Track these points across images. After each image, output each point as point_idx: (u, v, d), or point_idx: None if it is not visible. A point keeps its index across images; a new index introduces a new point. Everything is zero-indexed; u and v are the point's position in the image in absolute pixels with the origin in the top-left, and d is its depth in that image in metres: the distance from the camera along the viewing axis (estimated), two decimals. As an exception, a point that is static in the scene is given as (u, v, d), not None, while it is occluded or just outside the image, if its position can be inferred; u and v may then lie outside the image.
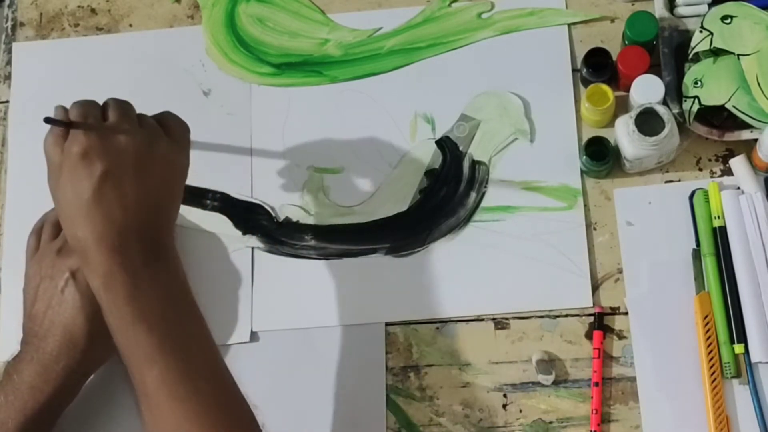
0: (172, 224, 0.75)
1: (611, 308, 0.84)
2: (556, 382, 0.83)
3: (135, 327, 0.69)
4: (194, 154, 0.92)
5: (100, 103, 0.74)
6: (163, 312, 0.70)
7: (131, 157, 0.70)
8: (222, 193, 0.90)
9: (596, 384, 0.82)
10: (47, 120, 0.70)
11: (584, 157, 0.85)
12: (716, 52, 0.84)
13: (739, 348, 0.80)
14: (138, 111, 0.92)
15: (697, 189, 0.85)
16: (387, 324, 0.86)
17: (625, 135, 0.82)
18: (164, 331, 0.69)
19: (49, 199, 0.87)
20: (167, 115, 0.77)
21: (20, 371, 0.78)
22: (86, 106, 0.72)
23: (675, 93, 0.84)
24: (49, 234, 0.84)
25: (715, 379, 0.79)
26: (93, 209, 0.69)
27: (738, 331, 0.80)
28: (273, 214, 0.90)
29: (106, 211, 0.69)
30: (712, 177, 0.86)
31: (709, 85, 0.83)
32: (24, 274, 0.84)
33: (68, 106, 0.73)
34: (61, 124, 0.71)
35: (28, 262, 0.84)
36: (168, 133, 0.75)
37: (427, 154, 0.90)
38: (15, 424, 0.76)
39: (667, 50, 0.86)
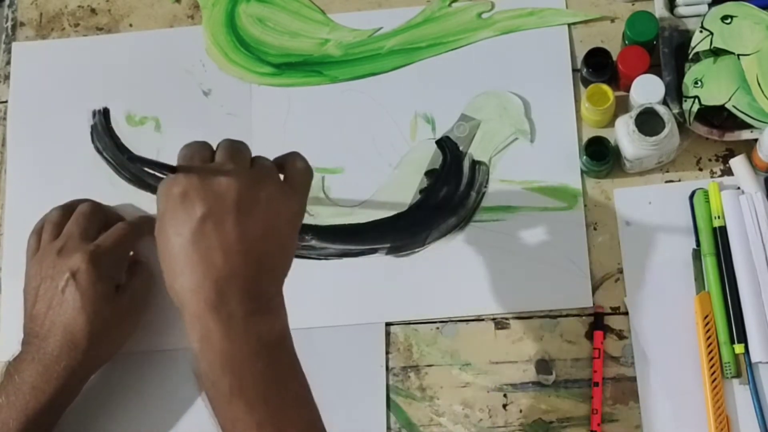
0: (281, 277, 0.67)
1: (611, 308, 0.84)
2: (556, 382, 0.83)
3: (232, 401, 0.62)
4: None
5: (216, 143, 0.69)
6: (266, 386, 0.63)
7: (233, 198, 0.63)
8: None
9: (596, 384, 0.82)
10: (146, 163, 0.66)
11: (584, 157, 0.85)
12: (716, 52, 0.84)
13: (739, 348, 0.80)
14: (138, 110, 0.93)
15: (697, 189, 0.85)
16: (387, 324, 0.86)
17: (625, 135, 0.82)
18: (265, 410, 0.63)
19: (49, 200, 0.88)
20: (291, 158, 0.71)
21: (21, 371, 0.78)
22: (195, 147, 0.67)
23: (675, 93, 0.84)
24: (49, 234, 0.83)
25: (715, 379, 0.79)
26: (191, 253, 0.62)
27: (738, 331, 0.80)
28: (273, 214, 0.90)
29: (205, 256, 0.62)
30: (712, 177, 0.86)
31: (709, 85, 0.83)
32: (24, 274, 0.84)
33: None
34: (163, 167, 0.65)
35: (28, 263, 0.84)
36: (286, 175, 0.69)
37: (427, 154, 0.90)
38: (16, 425, 0.76)
39: (667, 50, 0.86)
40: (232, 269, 0.63)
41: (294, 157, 0.71)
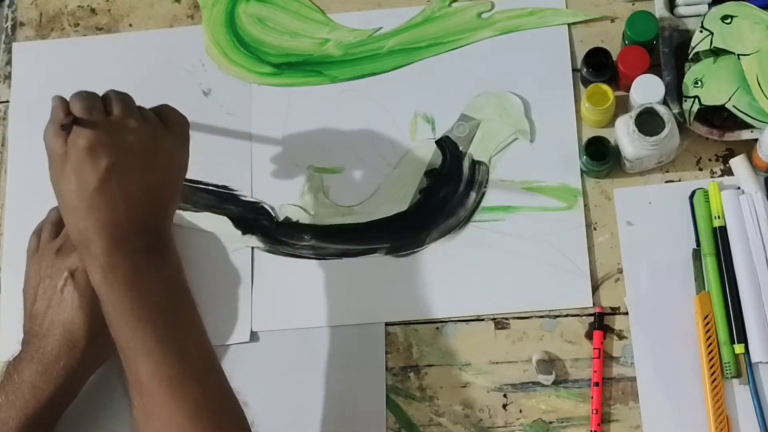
0: (171, 219, 0.76)
1: (611, 308, 0.84)
2: (556, 382, 0.83)
3: (133, 318, 0.69)
4: (194, 154, 0.92)
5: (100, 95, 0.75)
6: (162, 304, 0.71)
7: (137, 152, 0.72)
8: (221, 188, 0.90)
9: (596, 384, 0.81)
10: (65, 126, 0.71)
11: (584, 157, 0.85)
12: (716, 52, 0.84)
13: (739, 348, 0.80)
14: (138, 110, 0.93)
15: (698, 189, 0.85)
16: (387, 324, 0.86)
17: (625, 135, 0.82)
18: (162, 324, 0.70)
19: (49, 199, 0.88)
20: (167, 109, 0.78)
21: (21, 371, 0.78)
22: (89, 98, 0.73)
23: (675, 93, 0.84)
24: (48, 233, 0.84)
25: (715, 379, 0.79)
26: (96, 201, 0.70)
27: (738, 331, 0.80)
28: (273, 214, 0.90)
29: (110, 204, 0.70)
30: (712, 177, 0.86)
31: (710, 85, 0.83)
32: (24, 273, 0.84)
33: (67, 98, 0.74)
34: (70, 124, 0.71)
35: (28, 262, 0.84)
36: (168, 127, 0.76)
37: (427, 154, 0.90)
38: (16, 424, 0.77)
39: (668, 50, 0.86)
40: (135, 212, 0.71)
41: (169, 108, 0.78)
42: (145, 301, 0.70)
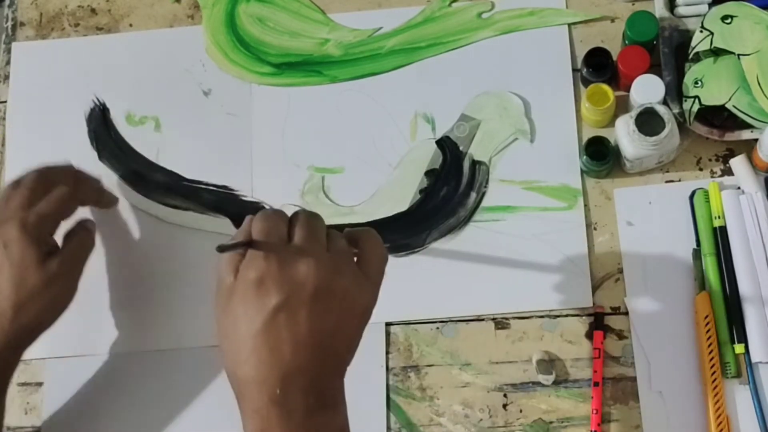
0: (344, 371, 0.64)
1: (611, 308, 0.84)
2: (556, 382, 0.83)
3: None
4: (195, 154, 0.92)
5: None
6: None
7: (310, 290, 0.60)
8: (221, 188, 0.91)
9: (596, 384, 0.82)
10: (225, 247, 0.62)
11: (584, 157, 0.85)
12: (716, 52, 0.84)
13: (739, 348, 0.80)
14: (138, 110, 0.93)
15: (698, 189, 0.85)
16: (387, 324, 0.86)
17: (625, 135, 0.82)
18: None
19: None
20: (366, 237, 0.67)
21: None
22: (272, 220, 0.63)
23: (675, 93, 0.84)
24: (19, 201, 0.80)
25: (715, 379, 0.79)
26: (260, 343, 0.59)
27: (738, 331, 0.80)
28: (273, 214, 0.89)
29: (274, 348, 0.60)
30: (712, 177, 0.86)
31: (710, 85, 0.83)
32: None
33: (254, 218, 0.64)
34: (242, 245, 0.62)
35: None
36: (361, 261, 0.65)
37: (427, 154, 0.90)
38: None
39: (668, 50, 0.86)
40: (300, 364, 0.60)
41: (371, 237, 0.67)
42: None
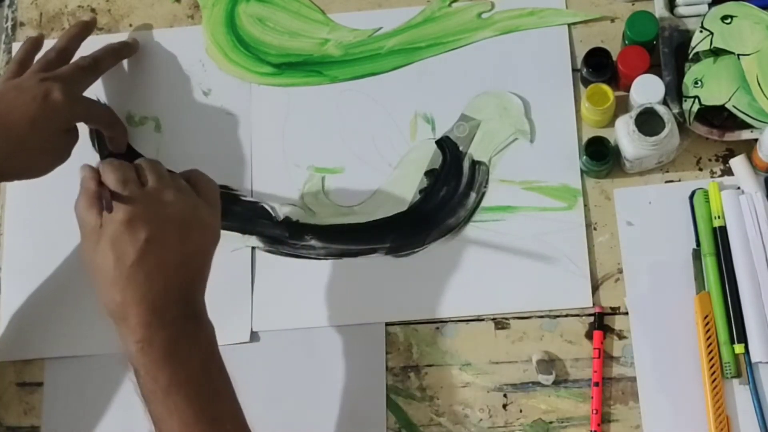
0: (204, 287, 0.74)
1: (611, 308, 0.84)
2: (556, 382, 0.83)
3: (171, 393, 0.68)
4: (195, 153, 0.92)
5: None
6: (199, 375, 0.70)
7: (175, 224, 0.71)
8: (221, 188, 0.91)
9: (596, 384, 0.82)
10: (107, 198, 0.70)
11: (584, 157, 0.85)
12: (716, 52, 0.84)
13: (739, 348, 0.80)
14: (138, 110, 0.93)
15: (698, 189, 0.85)
16: (387, 324, 0.86)
17: (625, 135, 0.82)
18: (199, 395, 0.69)
19: (48, 200, 0.88)
20: (197, 175, 0.78)
21: None
22: (122, 169, 0.73)
23: (675, 93, 0.84)
24: (40, 65, 0.86)
25: (715, 379, 0.79)
26: (135, 274, 0.69)
27: (738, 331, 0.80)
28: (273, 214, 0.90)
29: (147, 276, 0.69)
30: (712, 177, 0.86)
31: (710, 85, 0.83)
32: None
33: (94, 166, 0.74)
34: (108, 198, 0.70)
35: (3, 83, 0.85)
36: (200, 194, 0.75)
37: (427, 154, 0.90)
38: None
39: (668, 50, 0.86)
40: (173, 282, 0.70)
41: (199, 175, 0.77)
42: (183, 372, 0.69)
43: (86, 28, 0.93)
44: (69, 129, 0.85)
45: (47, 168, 0.85)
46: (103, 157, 0.93)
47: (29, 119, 0.80)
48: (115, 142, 0.90)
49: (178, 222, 0.71)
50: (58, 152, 0.85)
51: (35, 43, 0.90)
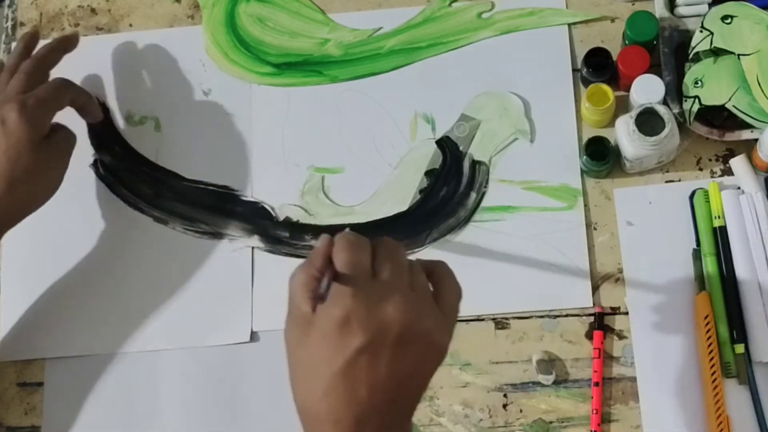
0: (414, 411, 0.63)
1: (611, 308, 0.84)
2: (556, 382, 0.83)
3: None
4: (195, 153, 0.92)
5: None
6: None
7: (395, 332, 0.59)
8: (221, 188, 0.91)
9: (596, 384, 0.82)
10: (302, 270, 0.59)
11: (584, 157, 0.85)
12: (716, 52, 0.84)
13: (739, 348, 0.80)
14: (138, 110, 0.93)
15: (698, 189, 0.85)
16: (387, 324, 0.85)
17: (625, 135, 0.82)
18: None
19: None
20: (442, 274, 0.64)
21: None
22: (356, 250, 0.60)
23: (675, 93, 0.84)
24: (17, 82, 0.84)
25: (715, 379, 0.79)
26: (337, 384, 0.58)
27: (738, 331, 0.80)
28: (273, 214, 0.90)
29: (351, 389, 0.58)
30: (712, 177, 0.86)
31: (710, 85, 0.83)
32: None
33: (331, 239, 0.61)
34: (327, 284, 0.59)
35: None
36: (438, 298, 0.63)
37: (427, 154, 0.90)
38: None
39: (668, 50, 0.86)
40: (375, 405, 0.59)
41: (447, 272, 0.65)
42: None
43: (62, 44, 0.90)
44: (47, 140, 0.83)
45: (50, 190, 0.85)
46: (91, 137, 0.93)
47: (2, 154, 0.80)
48: (88, 114, 0.90)
49: (397, 333, 0.58)
50: (48, 169, 0.84)
51: (26, 49, 0.89)
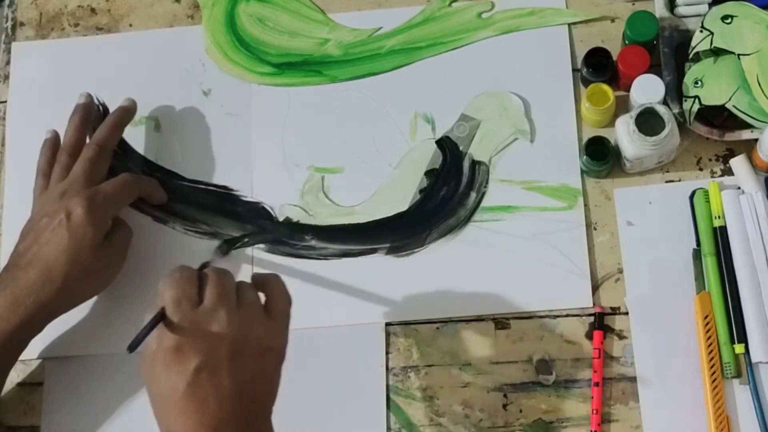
0: (269, 412, 0.69)
1: (611, 308, 0.84)
2: (556, 382, 0.83)
3: None
4: (195, 153, 0.92)
5: None
6: None
7: (226, 348, 0.65)
8: (221, 188, 0.91)
9: (596, 384, 0.82)
10: (135, 340, 0.65)
11: (584, 157, 0.85)
12: (716, 52, 0.84)
13: (739, 348, 0.80)
14: (139, 110, 0.93)
15: (698, 189, 0.85)
16: (387, 324, 0.85)
17: (625, 135, 0.82)
18: None
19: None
20: (272, 284, 0.71)
21: None
22: (181, 285, 0.67)
23: (675, 93, 0.84)
24: (58, 175, 0.84)
25: (715, 379, 0.79)
26: (186, 404, 0.64)
27: (738, 331, 0.80)
28: (273, 214, 0.90)
29: (200, 406, 0.64)
30: (712, 177, 0.86)
31: (710, 85, 0.83)
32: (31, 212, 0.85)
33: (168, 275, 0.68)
34: (151, 324, 0.65)
35: (34, 201, 0.85)
36: (268, 307, 0.70)
37: (427, 154, 0.90)
38: None
39: (668, 50, 0.86)
40: (227, 415, 0.65)
41: (276, 283, 0.71)
42: None
43: (122, 120, 0.89)
44: (108, 241, 0.83)
45: (104, 286, 0.85)
46: (92, 137, 0.92)
47: (63, 250, 0.79)
48: (154, 200, 0.89)
49: (228, 348, 0.65)
50: (105, 269, 0.84)
51: (54, 146, 0.88)
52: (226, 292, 0.68)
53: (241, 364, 0.66)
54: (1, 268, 0.90)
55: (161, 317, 0.66)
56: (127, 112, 0.90)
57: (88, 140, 0.88)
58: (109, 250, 0.83)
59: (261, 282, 0.71)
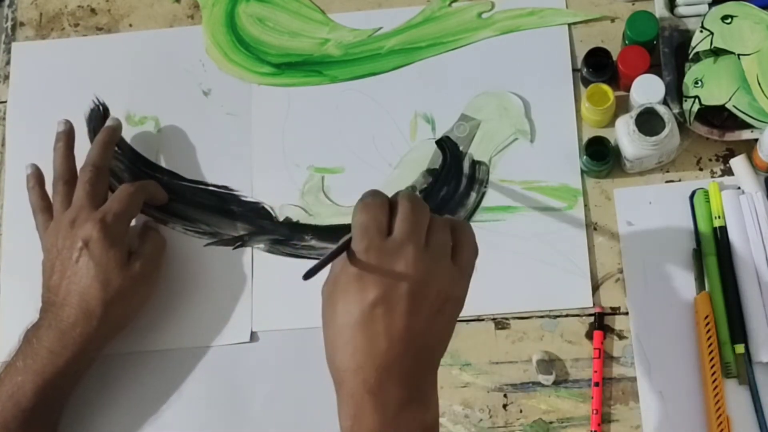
0: (437, 367, 0.65)
1: (611, 308, 0.84)
2: (556, 382, 0.83)
3: None
4: (195, 153, 0.92)
5: None
6: None
7: (406, 287, 0.62)
8: (221, 188, 0.91)
9: (596, 384, 0.81)
10: (313, 268, 0.63)
11: (584, 157, 0.85)
12: (717, 52, 0.84)
13: (739, 348, 0.80)
14: (138, 110, 0.93)
15: (698, 189, 0.85)
16: (387, 324, 0.85)
17: (625, 135, 0.82)
18: None
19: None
20: (463, 230, 0.67)
21: (39, 337, 0.79)
22: (372, 210, 0.64)
23: (675, 93, 0.84)
24: (60, 204, 0.84)
25: (715, 379, 0.79)
26: (356, 335, 0.62)
27: (738, 331, 0.80)
28: (273, 214, 0.90)
29: (370, 341, 0.61)
30: (712, 177, 0.86)
31: (710, 85, 0.83)
32: (42, 248, 0.84)
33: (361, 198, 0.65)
34: (343, 244, 0.63)
35: (42, 238, 0.85)
36: (456, 251, 0.65)
37: (427, 154, 0.90)
38: (33, 387, 0.78)
39: (668, 50, 0.86)
40: (394, 357, 0.62)
41: (466, 230, 0.67)
42: None
43: (111, 138, 0.89)
44: (136, 255, 0.83)
45: (146, 300, 0.85)
46: (92, 137, 0.92)
47: (92, 279, 0.79)
48: (156, 201, 0.89)
49: (408, 289, 0.62)
50: (140, 284, 0.83)
51: (39, 179, 0.88)
52: (417, 227, 0.64)
53: (418, 308, 0.62)
54: (2, 263, 0.91)
55: (347, 244, 0.63)
56: (115, 130, 0.90)
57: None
58: (135, 264, 0.82)
59: (453, 225, 0.67)
